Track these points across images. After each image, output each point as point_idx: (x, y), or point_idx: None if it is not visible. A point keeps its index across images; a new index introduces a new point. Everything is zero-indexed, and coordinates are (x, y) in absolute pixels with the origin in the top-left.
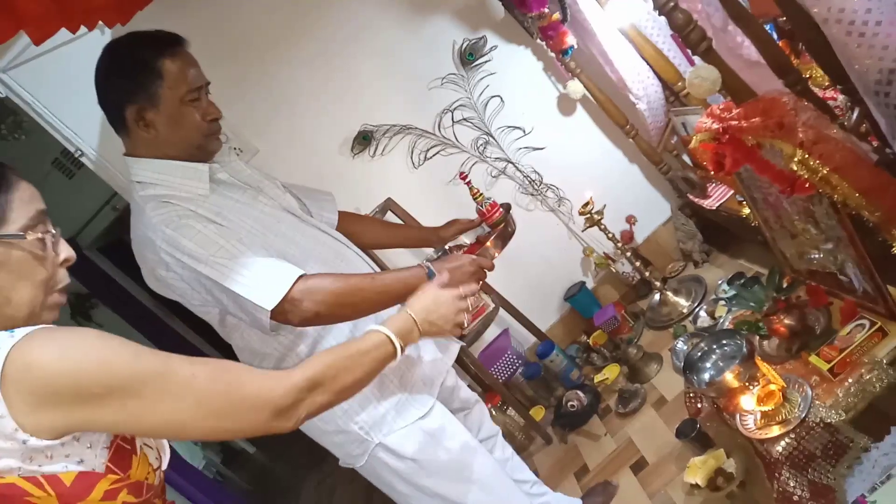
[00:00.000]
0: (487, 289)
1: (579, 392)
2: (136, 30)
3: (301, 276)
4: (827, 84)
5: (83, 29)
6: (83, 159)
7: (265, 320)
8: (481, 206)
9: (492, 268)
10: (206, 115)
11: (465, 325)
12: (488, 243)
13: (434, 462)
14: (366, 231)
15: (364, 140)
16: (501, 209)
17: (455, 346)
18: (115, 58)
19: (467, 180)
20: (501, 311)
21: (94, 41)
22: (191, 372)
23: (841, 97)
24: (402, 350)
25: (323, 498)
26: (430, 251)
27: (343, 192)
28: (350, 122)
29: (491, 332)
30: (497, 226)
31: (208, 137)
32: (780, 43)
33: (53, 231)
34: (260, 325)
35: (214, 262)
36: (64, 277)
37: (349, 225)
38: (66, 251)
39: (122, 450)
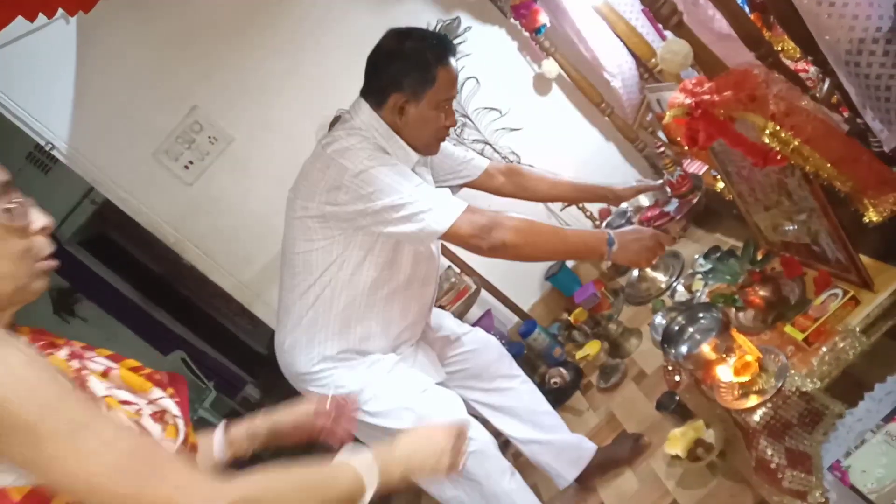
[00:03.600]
0: (469, 271)
1: (562, 369)
2: (416, 26)
3: (468, 206)
4: (798, 56)
5: (45, 18)
6: (54, 152)
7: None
8: (671, 177)
9: (671, 244)
10: (447, 121)
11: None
12: (673, 224)
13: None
14: (539, 184)
15: None
16: (692, 181)
17: None
18: (403, 48)
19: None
20: (483, 293)
21: (58, 31)
22: (114, 435)
23: (812, 69)
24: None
25: None
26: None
27: None
28: (325, 108)
29: (473, 314)
30: (684, 197)
31: (438, 140)
32: (752, 15)
33: (21, 200)
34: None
35: (406, 193)
36: (45, 246)
37: (523, 180)
38: (40, 219)
39: None
